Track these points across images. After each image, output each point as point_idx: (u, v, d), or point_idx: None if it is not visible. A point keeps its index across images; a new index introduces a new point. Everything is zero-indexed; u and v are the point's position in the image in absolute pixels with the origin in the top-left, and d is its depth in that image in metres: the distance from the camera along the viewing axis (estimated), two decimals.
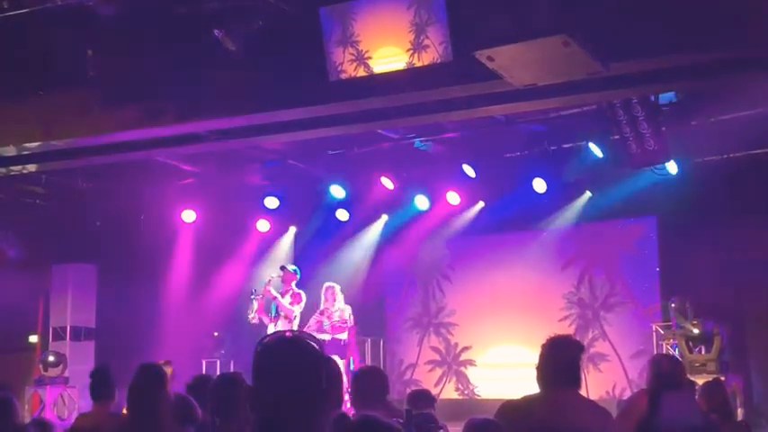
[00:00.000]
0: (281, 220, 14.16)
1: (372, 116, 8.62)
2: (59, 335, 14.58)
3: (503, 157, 12.25)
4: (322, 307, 11.72)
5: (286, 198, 13.46)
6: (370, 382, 5.15)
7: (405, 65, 7.41)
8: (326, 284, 11.94)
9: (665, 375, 5.48)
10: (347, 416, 4.05)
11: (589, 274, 12.80)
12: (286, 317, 11.32)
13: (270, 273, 12.06)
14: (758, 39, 6.63)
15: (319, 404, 2.50)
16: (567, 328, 12.23)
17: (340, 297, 11.78)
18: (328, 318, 11.62)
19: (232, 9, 7.81)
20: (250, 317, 11.62)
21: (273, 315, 11.47)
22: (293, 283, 11.59)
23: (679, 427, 5.11)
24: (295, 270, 11.75)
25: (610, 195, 12.06)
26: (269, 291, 11.49)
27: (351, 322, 11.68)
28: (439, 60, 7.22)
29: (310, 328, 11.38)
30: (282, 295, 11.48)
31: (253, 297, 11.63)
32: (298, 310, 11.39)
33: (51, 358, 13.39)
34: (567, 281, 12.94)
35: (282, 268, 11.83)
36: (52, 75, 8.59)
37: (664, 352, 10.97)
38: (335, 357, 11.11)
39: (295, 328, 11.13)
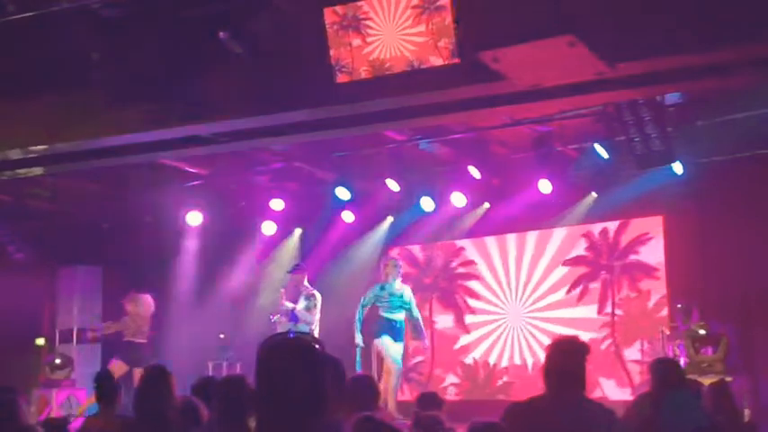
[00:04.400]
0: (286, 221, 14.17)
1: (378, 118, 8.61)
2: (66, 337, 14.61)
3: (508, 158, 12.26)
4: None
5: (291, 200, 13.47)
6: (360, 390, 5.18)
7: (410, 66, 7.40)
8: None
9: (667, 377, 5.49)
10: (373, 418, 4.05)
11: (595, 274, 12.79)
12: (305, 322, 11.23)
13: (276, 275, 12.03)
14: (765, 39, 6.62)
15: (321, 405, 2.50)
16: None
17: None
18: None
19: (237, 11, 7.82)
20: None
21: (292, 321, 11.38)
22: (305, 281, 11.56)
23: (684, 428, 5.11)
24: (301, 267, 11.70)
25: (616, 196, 12.06)
26: (287, 305, 11.43)
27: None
28: (444, 62, 7.21)
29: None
30: (297, 299, 11.41)
31: (274, 320, 11.53)
32: (317, 314, 11.31)
33: (58, 361, 13.42)
34: (572, 281, 12.93)
35: (290, 272, 11.78)
36: (57, 77, 8.60)
37: (671, 353, 10.97)
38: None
39: (315, 331, 11.12)
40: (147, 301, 12.21)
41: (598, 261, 12.78)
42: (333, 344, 3.05)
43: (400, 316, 11.31)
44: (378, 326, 11.21)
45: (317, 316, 11.31)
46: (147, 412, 5.02)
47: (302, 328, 11.09)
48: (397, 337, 11.20)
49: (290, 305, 11.33)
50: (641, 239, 12.47)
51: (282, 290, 11.71)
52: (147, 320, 12.13)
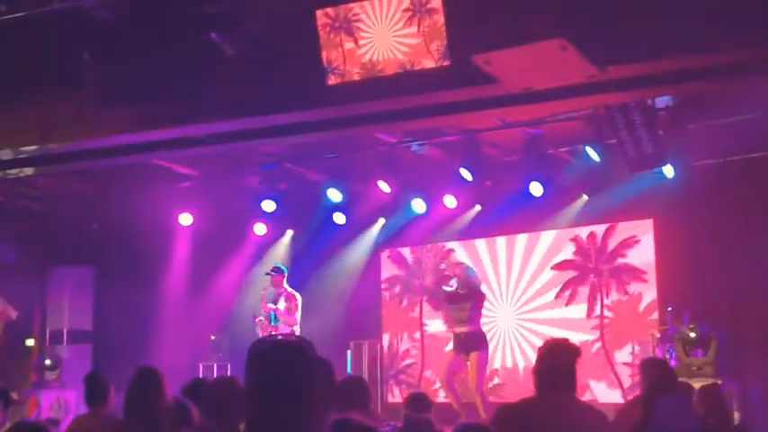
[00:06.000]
0: (278, 223, 14.14)
1: (369, 120, 8.62)
2: (57, 338, 14.57)
3: (500, 161, 12.27)
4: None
5: (283, 201, 13.45)
6: (352, 392, 5.19)
7: (402, 69, 7.41)
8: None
9: (658, 380, 5.50)
10: (349, 421, 4.05)
11: (584, 278, 12.80)
12: (287, 324, 11.24)
13: (266, 278, 12.01)
14: (756, 42, 6.64)
15: (311, 406, 2.50)
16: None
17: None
18: None
19: (229, 12, 7.82)
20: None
21: (273, 323, 11.40)
22: (284, 283, 11.55)
23: (675, 430, 5.12)
24: (279, 269, 11.69)
25: (606, 199, 12.07)
26: (268, 306, 11.42)
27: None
28: (436, 64, 7.22)
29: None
30: (276, 301, 11.41)
31: (257, 322, 11.50)
32: (298, 316, 11.32)
33: (48, 362, 13.39)
34: (562, 285, 12.93)
35: (268, 274, 11.75)
36: (49, 78, 8.59)
37: (660, 355, 10.98)
38: None
39: (297, 331, 11.09)
40: (2, 306, 11.96)
41: (586, 264, 12.79)
42: (323, 345, 3.06)
43: None
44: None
45: (299, 317, 11.30)
46: (137, 413, 5.00)
47: (284, 329, 11.10)
48: None
49: (271, 306, 11.33)
50: (628, 242, 12.49)
51: (263, 292, 11.71)
52: (2, 326, 11.86)
